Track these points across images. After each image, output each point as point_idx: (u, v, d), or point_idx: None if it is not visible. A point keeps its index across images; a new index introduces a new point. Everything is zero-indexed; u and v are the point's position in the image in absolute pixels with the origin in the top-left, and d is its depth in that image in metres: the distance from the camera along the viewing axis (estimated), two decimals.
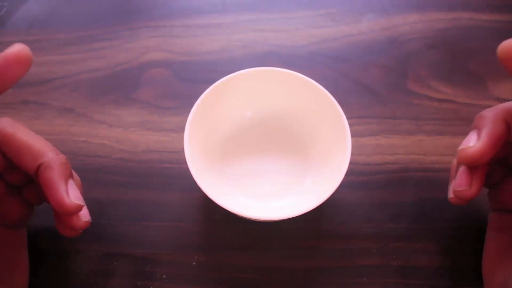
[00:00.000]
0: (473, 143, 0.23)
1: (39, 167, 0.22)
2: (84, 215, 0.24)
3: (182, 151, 0.26)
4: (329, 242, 0.29)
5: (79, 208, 0.23)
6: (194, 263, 0.29)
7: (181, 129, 0.27)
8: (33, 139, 0.23)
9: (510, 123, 0.23)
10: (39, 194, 0.26)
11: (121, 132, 0.34)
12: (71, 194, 0.22)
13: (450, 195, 0.26)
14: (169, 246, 0.29)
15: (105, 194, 0.31)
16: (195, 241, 0.29)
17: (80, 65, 0.37)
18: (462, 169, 0.24)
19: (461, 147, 0.24)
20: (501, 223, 0.26)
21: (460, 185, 0.24)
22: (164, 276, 0.28)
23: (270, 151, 0.32)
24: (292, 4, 0.40)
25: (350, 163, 0.26)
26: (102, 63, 0.37)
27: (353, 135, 0.28)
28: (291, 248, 0.29)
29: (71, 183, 0.23)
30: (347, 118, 0.28)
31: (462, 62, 0.37)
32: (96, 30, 0.39)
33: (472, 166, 0.24)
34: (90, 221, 0.25)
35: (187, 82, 0.36)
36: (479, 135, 0.23)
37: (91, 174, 0.31)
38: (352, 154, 0.27)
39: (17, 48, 0.21)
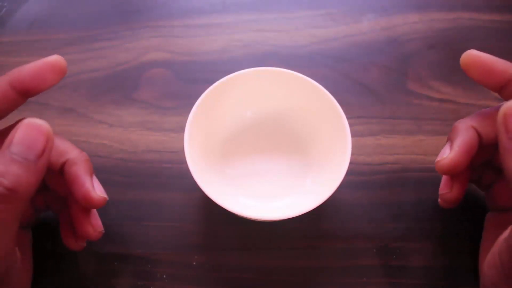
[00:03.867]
0: (446, 154, 0.24)
1: (64, 164, 0.24)
2: (98, 225, 0.26)
3: (182, 151, 0.26)
4: (329, 242, 0.29)
5: (104, 201, 0.24)
6: (194, 263, 0.29)
7: (181, 129, 0.27)
8: (57, 138, 0.24)
9: (479, 130, 0.24)
10: (46, 201, 0.27)
11: (121, 132, 0.34)
12: (96, 188, 0.24)
13: (439, 198, 0.28)
14: (169, 246, 0.29)
15: None
16: (195, 241, 0.29)
17: (80, 65, 0.37)
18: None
19: (437, 159, 0.25)
20: (497, 221, 0.26)
21: (442, 188, 0.27)
22: (164, 276, 0.28)
23: (270, 151, 0.32)
24: (292, 4, 0.40)
25: (350, 163, 0.26)
26: (102, 63, 0.37)
27: (353, 135, 0.28)
28: (291, 248, 0.29)
29: (94, 178, 0.25)
30: (347, 118, 0.28)
31: None
32: (96, 30, 0.39)
33: (452, 174, 0.26)
34: (103, 232, 0.26)
35: (187, 82, 0.36)
36: (451, 146, 0.24)
37: None
38: (352, 154, 0.27)
39: (55, 58, 0.23)
